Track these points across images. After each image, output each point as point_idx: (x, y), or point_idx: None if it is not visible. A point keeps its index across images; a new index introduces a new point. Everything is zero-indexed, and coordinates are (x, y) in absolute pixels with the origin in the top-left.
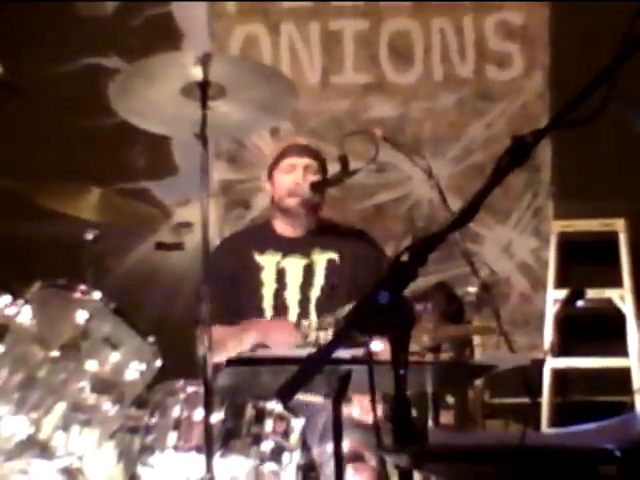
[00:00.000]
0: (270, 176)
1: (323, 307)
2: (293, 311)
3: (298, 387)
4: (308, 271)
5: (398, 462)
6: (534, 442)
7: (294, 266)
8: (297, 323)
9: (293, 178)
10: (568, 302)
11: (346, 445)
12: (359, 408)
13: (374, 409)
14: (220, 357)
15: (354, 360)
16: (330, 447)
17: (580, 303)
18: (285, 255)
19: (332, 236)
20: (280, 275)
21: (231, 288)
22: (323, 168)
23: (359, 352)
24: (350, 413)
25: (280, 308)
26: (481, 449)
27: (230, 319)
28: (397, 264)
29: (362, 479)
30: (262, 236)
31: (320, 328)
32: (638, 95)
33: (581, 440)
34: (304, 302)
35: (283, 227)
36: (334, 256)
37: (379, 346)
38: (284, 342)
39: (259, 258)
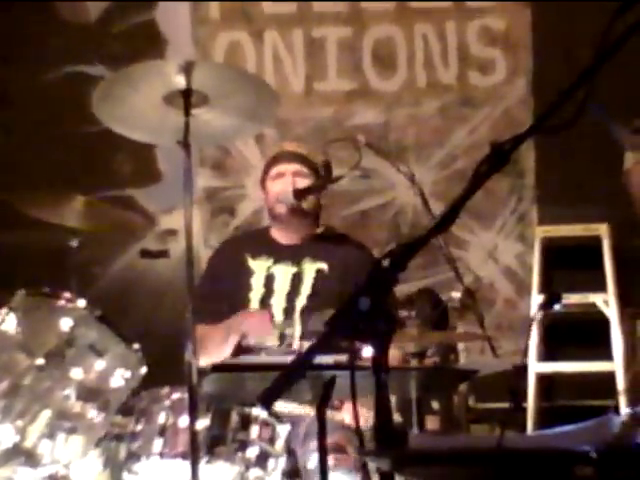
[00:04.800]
0: (263, 185)
1: (308, 317)
2: (278, 318)
3: (280, 393)
4: (296, 279)
5: (379, 466)
6: (511, 444)
7: (283, 273)
8: (264, 306)
9: (282, 185)
10: (545, 306)
11: (329, 439)
12: (349, 414)
13: (356, 414)
14: (203, 359)
15: (336, 366)
16: (312, 444)
17: (558, 307)
18: (276, 262)
19: (324, 245)
20: (268, 281)
21: (225, 289)
22: (315, 171)
23: (342, 358)
24: (342, 419)
25: None
26: (460, 452)
27: (218, 320)
28: (378, 270)
29: (343, 469)
30: (257, 241)
31: (303, 337)
32: (615, 100)
33: (558, 442)
34: (289, 310)
35: (278, 234)
36: (323, 266)
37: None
38: (258, 330)
39: (252, 263)
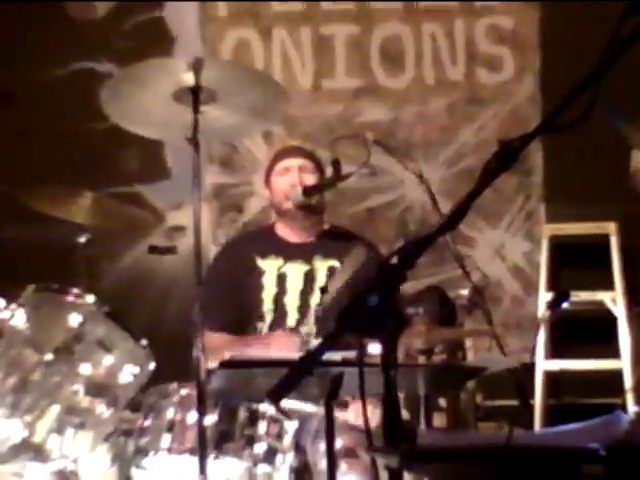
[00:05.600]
0: (267, 181)
1: (322, 314)
2: (292, 317)
3: (289, 389)
4: (309, 278)
5: (388, 462)
6: (520, 442)
7: (295, 272)
8: (296, 328)
9: (289, 179)
10: (553, 304)
11: (339, 442)
12: (354, 413)
13: (365, 410)
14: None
15: (344, 362)
16: (323, 446)
17: (566, 305)
18: (287, 260)
19: (334, 243)
20: (281, 280)
21: (233, 292)
22: (319, 168)
23: (351, 354)
24: (346, 419)
25: (279, 313)
26: (469, 449)
27: (229, 324)
28: (386, 267)
29: (355, 474)
30: (264, 240)
31: (319, 334)
32: (623, 99)
33: (566, 440)
34: (303, 308)
35: (285, 231)
36: (335, 264)
37: (376, 348)
38: (285, 351)
39: (261, 262)
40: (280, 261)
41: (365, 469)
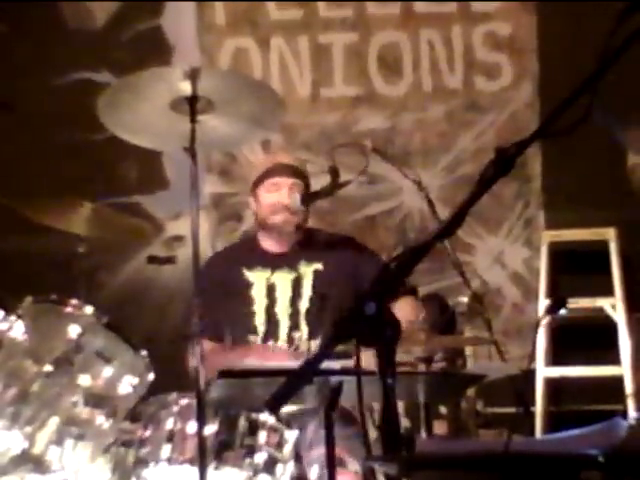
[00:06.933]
0: (253, 193)
1: (313, 318)
2: (284, 324)
3: (287, 398)
4: (296, 284)
5: (387, 471)
6: (519, 449)
7: (283, 281)
8: (288, 338)
9: (278, 197)
10: (550, 311)
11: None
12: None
13: (363, 419)
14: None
15: (343, 371)
16: (316, 452)
17: (566, 312)
18: (274, 271)
19: (316, 246)
20: (270, 291)
21: (222, 306)
22: (306, 184)
23: (349, 363)
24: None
25: (271, 324)
26: (467, 456)
27: (220, 336)
28: (383, 274)
29: None
30: (249, 252)
31: (311, 338)
32: (619, 105)
33: (565, 446)
34: (294, 315)
35: (268, 243)
36: (319, 266)
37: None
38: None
39: (248, 274)
40: (268, 272)
41: (353, 477)
